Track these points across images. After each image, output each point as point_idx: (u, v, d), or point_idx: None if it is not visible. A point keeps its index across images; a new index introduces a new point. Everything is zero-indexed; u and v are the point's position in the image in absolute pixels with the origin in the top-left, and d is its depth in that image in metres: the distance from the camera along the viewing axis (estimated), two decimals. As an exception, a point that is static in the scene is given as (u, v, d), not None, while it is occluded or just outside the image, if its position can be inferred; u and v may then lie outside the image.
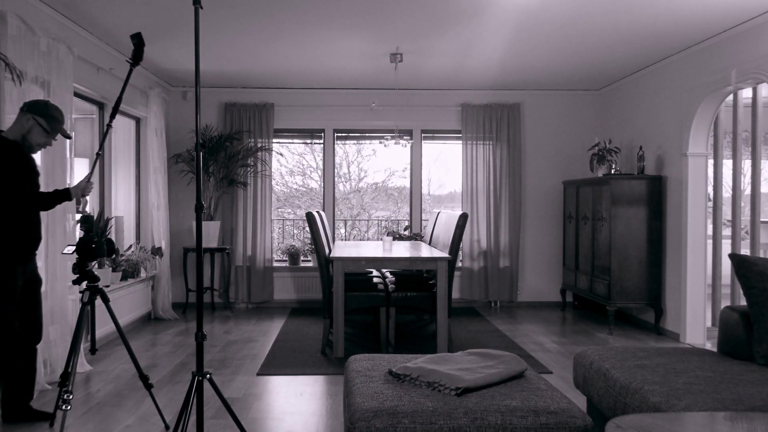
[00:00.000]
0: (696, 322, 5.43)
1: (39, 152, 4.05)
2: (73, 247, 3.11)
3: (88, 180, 3.24)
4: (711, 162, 5.62)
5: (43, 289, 4.11)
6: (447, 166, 8.12)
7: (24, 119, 3.07)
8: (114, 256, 5.21)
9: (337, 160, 7.92)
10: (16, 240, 3.05)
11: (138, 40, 3.00)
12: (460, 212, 5.02)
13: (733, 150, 5.61)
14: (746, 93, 5.56)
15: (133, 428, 3.30)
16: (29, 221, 3.12)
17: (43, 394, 3.82)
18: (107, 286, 5.13)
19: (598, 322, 6.39)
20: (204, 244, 6.62)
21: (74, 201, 3.40)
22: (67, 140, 4.35)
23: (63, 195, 3.15)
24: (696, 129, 5.37)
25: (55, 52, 4.20)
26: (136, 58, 3.01)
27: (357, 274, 5.50)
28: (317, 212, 5.29)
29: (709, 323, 5.59)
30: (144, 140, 6.49)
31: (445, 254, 4.87)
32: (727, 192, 6.26)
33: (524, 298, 7.41)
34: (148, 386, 3.21)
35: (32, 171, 3.20)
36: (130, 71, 3.10)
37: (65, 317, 4.20)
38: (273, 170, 7.32)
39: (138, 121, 6.51)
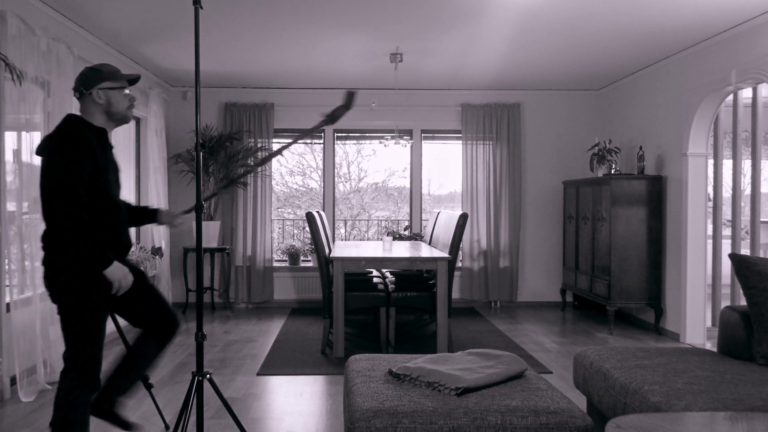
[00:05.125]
0: (696, 322, 5.43)
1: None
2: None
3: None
4: (711, 162, 5.62)
5: (42, 290, 4.12)
6: (447, 166, 8.12)
7: (95, 97, 2.48)
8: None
9: (337, 160, 7.92)
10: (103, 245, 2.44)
11: (349, 99, 2.65)
12: (460, 212, 5.02)
13: (733, 150, 5.61)
14: (746, 93, 5.55)
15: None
16: (117, 224, 2.56)
17: (43, 394, 3.82)
18: (107, 286, 5.12)
19: (598, 322, 6.39)
20: (204, 244, 6.62)
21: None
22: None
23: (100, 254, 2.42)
24: (696, 129, 5.37)
25: (55, 52, 4.20)
26: (334, 117, 2.67)
27: (357, 274, 5.50)
28: (317, 212, 5.28)
29: (709, 323, 5.59)
30: (144, 140, 6.49)
31: (445, 254, 4.87)
32: (727, 192, 6.26)
33: (524, 298, 7.41)
34: (148, 386, 3.21)
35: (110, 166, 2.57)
36: (320, 125, 2.72)
37: (65, 317, 4.19)
38: (273, 170, 7.33)
39: (138, 121, 6.51)
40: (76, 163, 2.34)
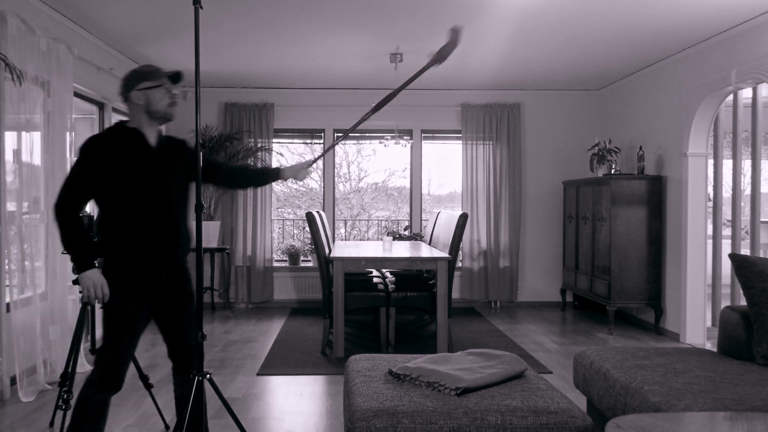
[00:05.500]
0: (696, 322, 5.43)
1: (41, 151, 4.09)
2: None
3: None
4: (711, 162, 5.62)
5: (42, 290, 4.13)
6: (447, 166, 8.12)
7: (135, 98, 2.45)
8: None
9: (337, 160, 7.92)
10: (119, 249, 2.44)
11: (455, 35, 2.43)
12: (460, 212, 5.02)
13: (733, 150, 5.61)
14: (746, 93, 5.55)
15: (133, 428, 3.30)
16: (145, 223, 2.46)
17: (43, 394, 3.82)
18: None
19: (598, 322, 6.39)
20: (204, 244, 6.61)
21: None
22: (69, 137, 4.34)
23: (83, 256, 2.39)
24: (696, 129, 5.37)
25: (55, 52, 4.20)
26: (442, 56, 2.44)
27: (357, 274, 5.50)
28: (317, 212, 5.28)
29: (709, 323, 5.59)
30: (144, 140, 6.48)
31: (445, 254, 4.87)
32: (727, 192, 6.26)
33: (524, 298, 7.40)
34: (148, 386, 3.21)
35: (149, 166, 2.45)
36: (428, 66, 2.49)
37: (65, 317, 4.20)
38: (273, 170, 7.31)
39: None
40: (77, 169, 2.39)
